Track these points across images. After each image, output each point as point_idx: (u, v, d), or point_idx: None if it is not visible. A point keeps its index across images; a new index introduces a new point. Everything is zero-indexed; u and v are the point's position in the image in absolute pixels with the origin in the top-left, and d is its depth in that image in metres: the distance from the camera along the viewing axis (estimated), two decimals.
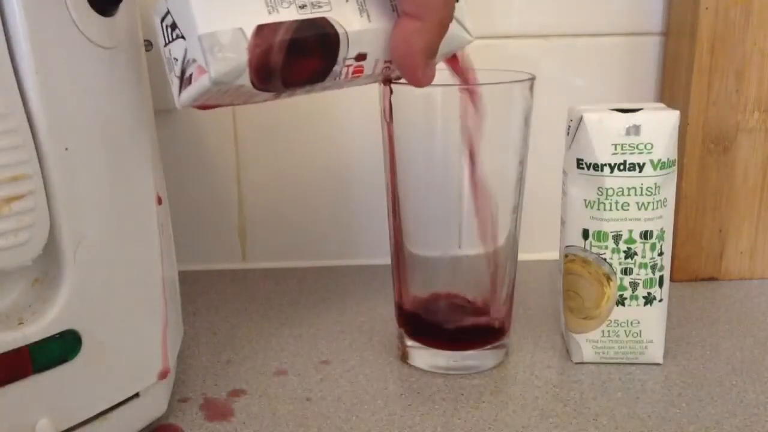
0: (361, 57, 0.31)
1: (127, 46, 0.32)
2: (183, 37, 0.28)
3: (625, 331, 0.41)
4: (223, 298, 0.53)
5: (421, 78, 0.32)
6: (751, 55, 0.50)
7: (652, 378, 0.41)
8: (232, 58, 0.28)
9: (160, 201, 0.35)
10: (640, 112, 0.39)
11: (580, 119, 0.39)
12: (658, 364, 0.42)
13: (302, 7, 0.30)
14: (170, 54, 0.30)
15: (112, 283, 0.32)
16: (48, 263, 0.29)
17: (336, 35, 0.30)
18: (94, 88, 0.30)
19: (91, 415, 0.32)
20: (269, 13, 0.29)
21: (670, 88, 0.55)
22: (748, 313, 0.49)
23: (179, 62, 0.29)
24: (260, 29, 0.28)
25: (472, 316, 0.42)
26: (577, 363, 0.43)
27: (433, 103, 0.39)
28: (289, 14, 0.29)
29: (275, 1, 0.29)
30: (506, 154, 0.40)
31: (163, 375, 0.35)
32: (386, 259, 0.44)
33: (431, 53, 0.32)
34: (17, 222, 0.27)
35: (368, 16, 0.31)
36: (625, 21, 0.55)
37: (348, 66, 0.31)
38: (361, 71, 0.32)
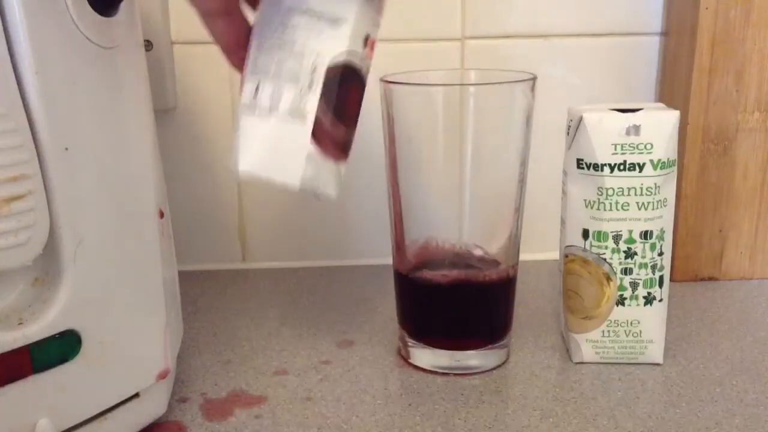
0: (366, 42, 0.31)
1: (127, 46, 0.32)
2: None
3: (625, 331, 0.41)
4: (223, 298, 0.53)
5: None
6: (751, 55, 0.50)
7: (652, 378, 0.41)
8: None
9: (161, 215, 0.35)
10: (640, 112, 0.39)
11: (580, 119, 0.39)
12: (658, 364, 0.42)
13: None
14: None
15: (112, 283, 0.32)
16: (48, 263, 0.29)
17: (352, 70, 0.30)
18: (94, 88, 0.30)
19: (91, 415, 0.32)
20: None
21: (670, 88, 0.55)
22: (748, 313, 0.49)
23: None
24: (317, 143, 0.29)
25: (476, 270, 0.42)
26: (577, 363, 0.43)
27: (433, 102, 0.39)
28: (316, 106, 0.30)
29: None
30: (508, 154, 0.40)
31: (163, 375, 0.35)
32: (386, 259, 0.44)
33: None
34: (17, 222, 0.27)
35: (338, 21, 0.30)
36: (625, 21, 0.55)
37: (368, 49, 0.31)
38: (373, 46, 0.32)
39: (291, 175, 0.29)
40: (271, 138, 0.29)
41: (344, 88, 0.30)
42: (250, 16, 0.32)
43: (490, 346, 0.42)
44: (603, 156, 0.39)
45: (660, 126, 0.39)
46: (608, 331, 0.41)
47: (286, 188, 0.30)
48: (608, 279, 0.41)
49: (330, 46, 0.29)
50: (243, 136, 0.30)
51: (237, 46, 0.32)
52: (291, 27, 0.29)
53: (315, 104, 0.29)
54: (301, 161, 0.29)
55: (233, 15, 0.31)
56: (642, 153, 0.39)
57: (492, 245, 0.42)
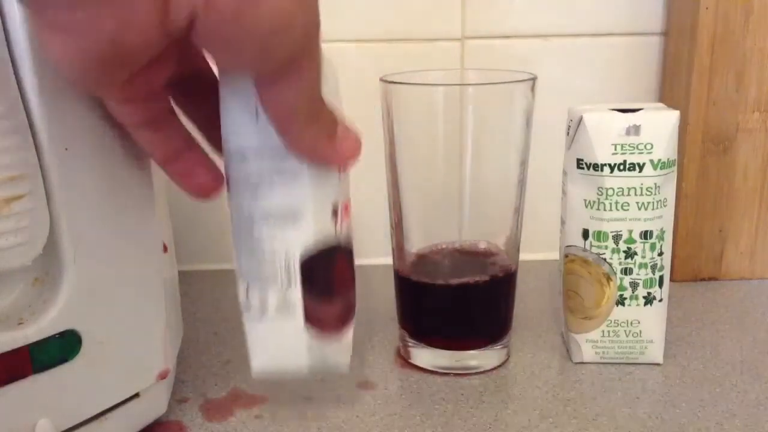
0: (336, 212, 0.31)
1: None
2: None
3: (625, 331, 0.41)
4: (223, 298, 0.53)
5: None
6: (751, 55, 0.50)
7: (652, 378, 0.41)
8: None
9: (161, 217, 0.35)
10: (640, 112, 0.39)
11: (580, 119, 0.39)
12: (658, 364, 0.42)
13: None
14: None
15: (112, 283, 0.32)
16: (48, 263, 0.29)
17: (336, 248, 0.30)
18: None
19: (91, 415, 0.32)
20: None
21: (670, 88, 0.54)
22: (748, 313, 0.49)
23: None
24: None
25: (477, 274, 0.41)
26: (577, 363, 0.43)
27: (433, 102, 0.39)
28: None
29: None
30: (508, 154, 0.40)
31: (163, 375, 0.35)
32: (386, 259, 0.44)
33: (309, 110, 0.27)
34: (17, 222, 0.27)
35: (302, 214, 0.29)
36: (625, 21, 0.55)
37: (341, 217, 0.31)
38: (347, 208, 0.31)
39: (298, 367, 0.30)
40: (270, 336, 0.30)
41: (325, 268, 0.30)
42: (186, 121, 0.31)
43: (490, 346, 0.42)
44: (603, 156, 0.39)
45: (660, 126, 0.39)
46: (608, 331, 0.41)
47: (299, 379, 0.31)
48: (608, 279, 0.41)
49: (297, 240, 0.29)
50: (248, 336, 0.31)
51: (173, 157, 0.30)
52: (257, 232, 0.29)
53: (299, 297, 0.29)
54: (303, 353, 0.30)
55: (161, 125, 0.29)
56: (642, 153, 0.39)
57: (492, 245, 0.42)
